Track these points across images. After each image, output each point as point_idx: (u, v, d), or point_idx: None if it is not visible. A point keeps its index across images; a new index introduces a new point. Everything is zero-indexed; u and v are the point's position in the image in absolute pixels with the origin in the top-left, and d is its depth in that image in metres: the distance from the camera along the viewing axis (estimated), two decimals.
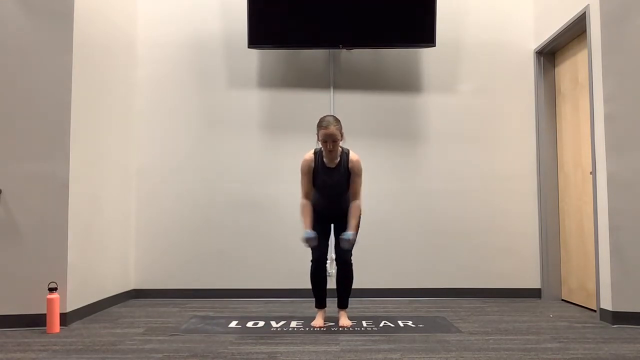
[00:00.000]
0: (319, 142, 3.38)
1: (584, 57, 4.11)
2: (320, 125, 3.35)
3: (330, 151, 3.36)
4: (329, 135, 3.31)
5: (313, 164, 3.43)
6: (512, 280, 4.66)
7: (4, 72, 3.47)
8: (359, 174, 3.43)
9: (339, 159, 3.43)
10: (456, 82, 4.79)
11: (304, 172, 3.43)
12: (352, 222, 3.40)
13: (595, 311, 3.91)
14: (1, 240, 3.42)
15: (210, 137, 4.74)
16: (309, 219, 3.41)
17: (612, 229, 3.55)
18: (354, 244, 3.39)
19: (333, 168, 3.42)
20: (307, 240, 3.34)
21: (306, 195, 3.45)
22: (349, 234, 3.35)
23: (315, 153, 3.45)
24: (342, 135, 3.40)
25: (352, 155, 3.44)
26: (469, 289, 4.64)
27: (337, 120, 3.37)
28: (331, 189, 3.44)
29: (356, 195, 3.44)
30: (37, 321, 3.39)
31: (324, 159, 3.43)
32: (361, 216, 3.60)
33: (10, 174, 3.44)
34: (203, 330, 3.36)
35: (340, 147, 3.45)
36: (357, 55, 4.78)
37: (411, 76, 4.79)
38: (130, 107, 4.60)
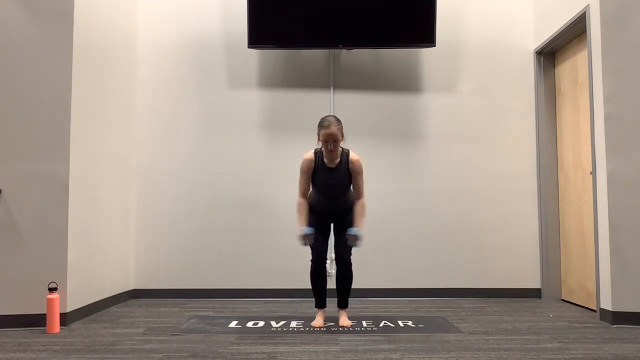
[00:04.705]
0: (320, 142, 3.38)
1: (584, 57, 4.11)
2: (322, 125, 3.35)
3: (330, 151, 3.36)
4: (330, 135, 3.31)
5: (313, 164, 3.43)
6: (512, 280, 4.66)
7: (4, 72, 3.47)
8: (360, 172, 3.44)
9: (339, 159, 3.43)
10: (456, 82, 4.79)
11: (303, 171, 3.44)
12: (358, 220, 3.41)
13: (595, 311, 3.91)
14: (1, 240, 3.42)
15: (210, 137, 4.74)
16: (304, 217, 3.43)
17: (612, 228, 3.55)
18: (360, 241, 3.37)
19: (333, 168, 3.42)
20: (305, 237, 3.35)
21: (303, 194, 3.46)
22: (355, 229, 3.36)
23: (315, 153, 3.45)
24: (342, 136, 3.40)
25: (352, 155, 3.44)
26: (469, 289, 4.64)
27: (338, 121, 3.38)
28: (331, 189, 3.44)
29: (360, 194, 3.46)
30: (37, 321, 3.39)
31: (324, 159, 3.43)
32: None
33: (10, 174, 3.44)
34: (203, 330, 3.36)
35: (341, 147, 3.45)
36: (357, 55, 4.78)
37: (411, 76, 4.79)
38: (130, 107, 4.60)
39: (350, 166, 3.43)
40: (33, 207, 3.45)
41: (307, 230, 3.36)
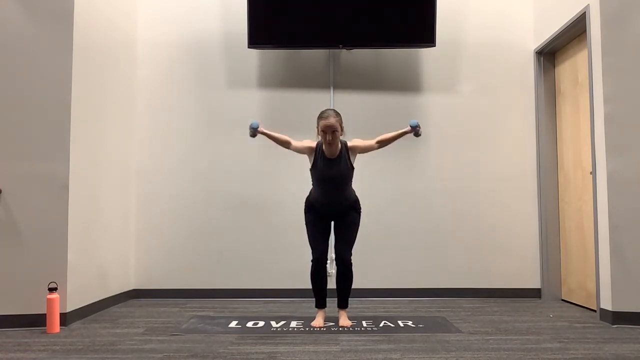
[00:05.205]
0: (319, 135, 3.38)
1: (584, 57, 4.11)
2: (321, 116, 3.37)
3: (330, 144, 3.35)
4: (329, 126, 3.31)
5: (313, 153, 3.44)
6: (512, 280, 4.66)
7: (4, 72, 3.47)
8: (362, 140, 3.48)
9: (339, 152, 3.43)
10: (456, 82, 4.79)
11: (303, 144, 3.48)
12: (398, 132, 3.48)
13: (595, 311, 3.91)
14: (1, 240, 3.42)
15: (210, 137, 4.74)
16: (272, 132, 3.48)
17: (612, 228, 3.55)
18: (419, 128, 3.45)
19: (333, 159, 3.42)
20: (252, 127, 3.43)
21: (287, 139, 3.48)
22: (413, 121, 3.43)
23: (317, 144, 3.45)
24: (342, 129, 3.40)
25: (350, 143, 3.46)
26: (469, 289, 4.64)
27: (338, 113, 3.39)
28: (331, 182, 3.43)
29: (379, 139, 3.49)
30: (37, 321, 3.39)
31: (325, 152, 3.42)
32: (361, 213, 3.59)
33: (10, 174, 3.44)
34: (203, 330, 3.36)
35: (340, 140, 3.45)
36: (357, 55, 4.78)
37: (411, 76, 4.79)
38: (130, 107, 4.60)
39: (351, 152, 3.44)
40: (33, 207, 3.45)
41: (254, 123, 3.43)
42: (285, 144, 3.49)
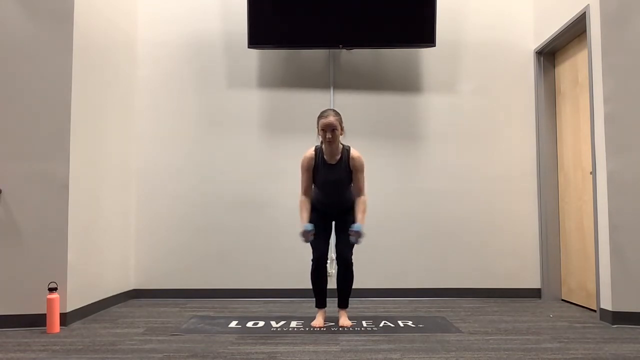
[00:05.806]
0: (319, 136, 3.39)
1: (584, 57, 4.12)
2: (321, 116, 3.38)
3: (329, 142, 3.35)
4: (328, 124, 3.32)
5: (313, 161, 3.43)
6: (512, 280, 4.66)
7: (4, 72, 3.47)
8: (361, 169, 3.43)
9: (339, 156, 3.43)
10: (456, 82, 4.79)
11: (304, 169, 3.45)
12: (359, 216, 3.40)
13: (595, 311, 3.91)
14: (1, 240, 3.42)
15: (210, 137, 4.74)
16: (306, 214, 3.43)
17: (612, 229, 3.55)
18: (361, 237, 3.37)
19: (334, 164, 3.42)
20: (305, 234, 3.35)
21: (305, 192, 3.46)
22: (357, 225, 3.35)
23: (316, 150, 3.45)
24: (342, 129, 3.41)
25: (353, 152, 3.44)
26: (469, 289, 4.65)
27: (337, 113, 3.39)
28: (332, 186, 3.44)
29: (360, 192, 3.45)
30: (37, 321, 3.39)
31: (325, 156, 3.43)
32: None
33: (10, 174, 3.44)
34: (203, 330, 3.36)
35: (342, 143, 3.45)
36: (357, 55, 4.78)
37: (411, 76, 4.79)
38: (130, 107, 4.60)
39: (351, 163, 3.42)
40: (33, 207, 3.45)
41: (307, 226, 3.36)
42: (310, 189, 3.49)
